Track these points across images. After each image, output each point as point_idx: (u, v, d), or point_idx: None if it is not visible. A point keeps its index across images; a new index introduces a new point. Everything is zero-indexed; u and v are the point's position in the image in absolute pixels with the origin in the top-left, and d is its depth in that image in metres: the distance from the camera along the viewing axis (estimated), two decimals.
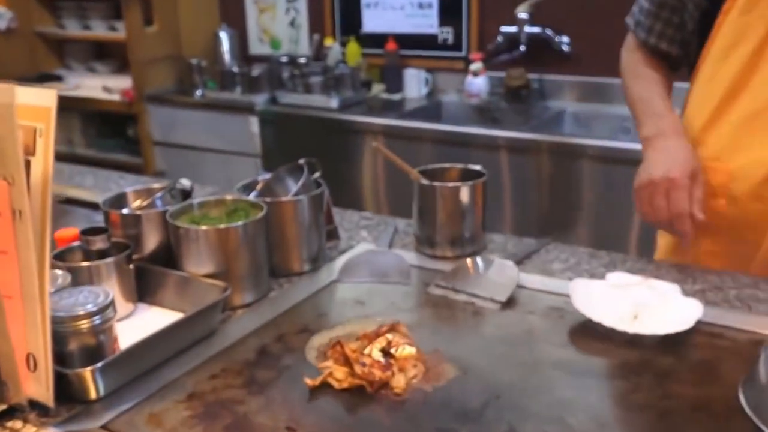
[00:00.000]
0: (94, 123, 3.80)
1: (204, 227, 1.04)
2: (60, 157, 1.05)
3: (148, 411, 0.85)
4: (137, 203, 1.16)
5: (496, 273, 1.09)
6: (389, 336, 0.98)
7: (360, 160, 2.86)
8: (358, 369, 0.91)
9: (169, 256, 1.07)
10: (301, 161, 1.27)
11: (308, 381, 0.91)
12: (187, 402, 0.89)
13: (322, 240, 1.19)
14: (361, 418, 0.82)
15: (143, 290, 1.06)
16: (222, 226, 1.05)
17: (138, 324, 1.01)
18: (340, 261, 1.17)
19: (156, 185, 1.21)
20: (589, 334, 0.95)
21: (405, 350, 0.95)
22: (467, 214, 1.19)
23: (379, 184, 2.81)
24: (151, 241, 1.11)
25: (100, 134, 3.81)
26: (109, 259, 1.01)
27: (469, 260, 1.14)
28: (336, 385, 0.91)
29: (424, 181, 1.19)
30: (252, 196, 1.15)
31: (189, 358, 0.92)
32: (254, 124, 2.95)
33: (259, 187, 1.22)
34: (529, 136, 2.34)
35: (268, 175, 1.25)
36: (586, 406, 0.84)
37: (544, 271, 1.14)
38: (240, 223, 1.06)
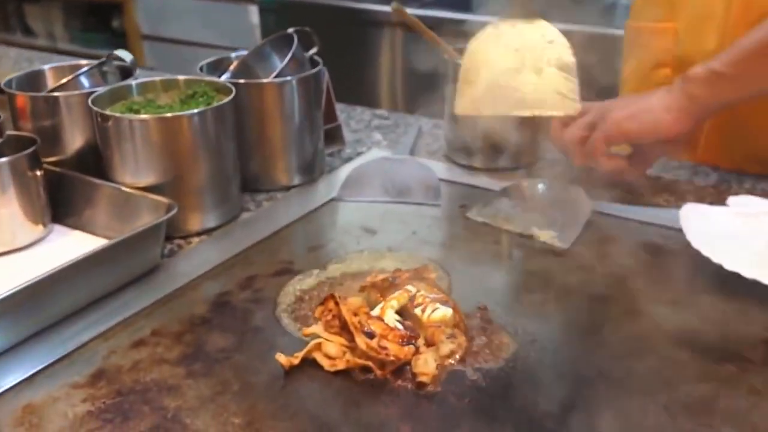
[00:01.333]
0: (77, 15, 3.51)
1: (143, 116, 0.81)
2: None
3: (25, 399, 0.59)
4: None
5: (560, 201, 0.85)
6: (411, 288, 0.66)
7: (375, 55, 2.48)
8: (361, 341, 0.60)
9: (98, 159, 0.83)
10: (291, 30, 0.94)
11: (282, 358, 0.61)
12: (89, 387, 0.60)
13: (318, 142, 0.97)
14: (364, 425, 0.55)
15: (60, 207, 0.84)
16: (169, 114, 0.81)
17: (47, 255, 0.80)
18: (344, 172, 0.95)
19: (84, 62, 0.97)
20: (710, 283, 0.71)
21: (437, 312, 0.64)
22: None
23: (397, 82, 2.41)
24: (73, 138, 0.87)
25: (85, 27, 3.50)
26: (2, 160, 0.75)
27: (526, 182, 0.89)
28: (326, 365, 0.61)
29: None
30: (223, 79, 0.92)
31: (106, 313, 0.69)
32: (254, 13, 2.77)
33: (232, 66, 0.98)
34: None
35: (244, 52, 1.00)
36: (733, 410, 0.56)
37: (627, 192, 0.90)
38: (196, 110, 0.82)
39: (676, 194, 0.92)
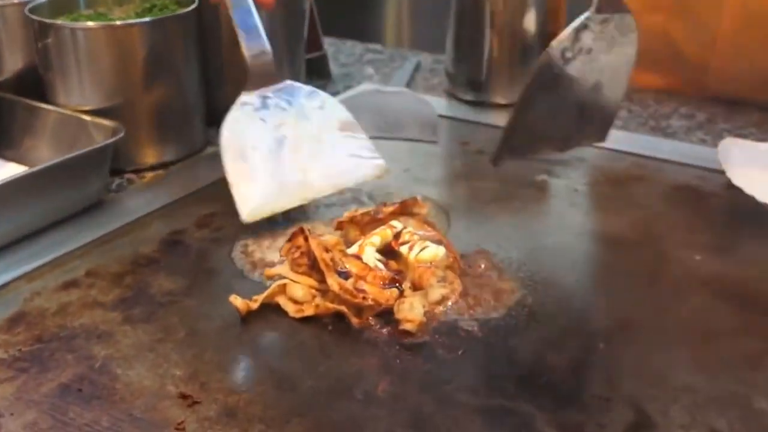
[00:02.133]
0: None
1: (89, 24, 0.75)
2: None
3: None
4: None
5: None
6: (397, 223, 0.59)
7: None
8: (333, 282, 0.53)
9: (39, 80, 0.79)
10: None
11: (237, 302, 0.54)
12: (4, 332, 0.54)
13: (299, 74, 0.90)
14: (335, 379, 0.49)
15: None
16: (119, 22, 0.75)
17: None
18: None
19: None
20: (753, 225, 0.66)
21: (427, 250, 0.57)
22: (543, 35, 0.88)
23: (403, 18, 2.31)
24: (9, 56, 0.81)
25: None
26: None
27: None
28: (292, 311, 0.55)
29: None
30: None
31: (34, 252, 0.63)
32: None
33: None
34: None
35: None
36: None
37: (657, 130, 0.87)
38: (148, 19, 0.76)
39: (712, 133, 0.86)
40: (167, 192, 0.74)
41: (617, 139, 0.81)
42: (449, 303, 0.55)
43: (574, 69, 0.64)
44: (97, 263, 0.62)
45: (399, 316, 0.53)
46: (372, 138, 0.84)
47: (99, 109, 0.75)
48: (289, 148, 0.66)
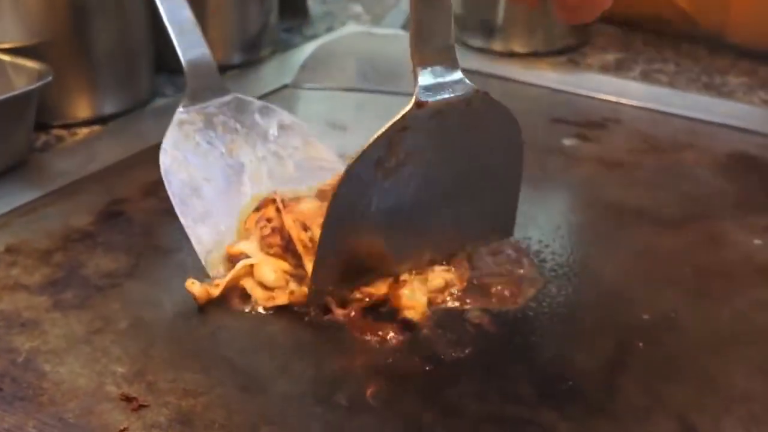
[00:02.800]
0: None
1: None
2: None
3: None
4: None
5: None
6: None
7: None
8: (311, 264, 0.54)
9: None
10: None
11: (195, 287, 0.56)
12: None
13: (269, 12, 0.96)
14: (316, 388, 0.50)
15: None
16: None
17: None
18: (305, 51, 0.97)
19: None
20: None
21: None
22: None
23: None
24: None
25: None
26: None
27: None
28: (260, 298, 0.56)
29: None
30: None
31: None
32: None
33: None
34: None
35: None
36: None
37: (711, 87, 0.90)
38: None
39: None
40: (106, 152, 0.76)
41: (662, 98, 0.82)
42: (454, 291, 0.57)
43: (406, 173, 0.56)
44: (20, 237, 0.63)
45: (397, 303, 0.54)
46: (358, 91, 0.88)
47: (20, 48, 0.77)
48: (249, 178, 0.65)
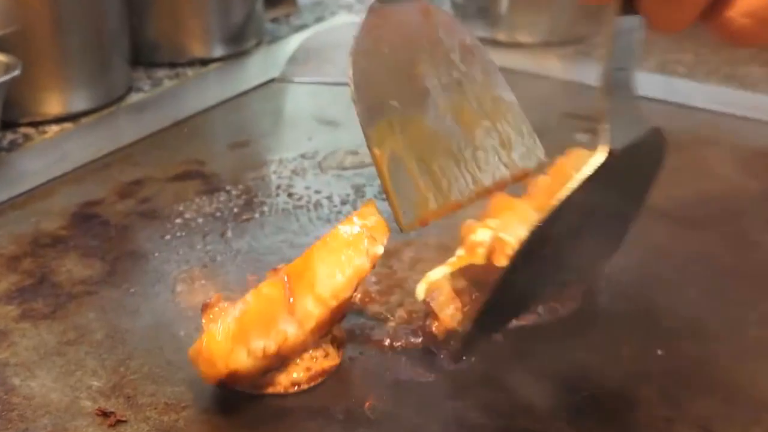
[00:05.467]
0: None
1: None
2: None
3: None
4: None
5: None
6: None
7: None
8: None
9: None
10: None
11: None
12: None
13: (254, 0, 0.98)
14: (310, 400, 0.51)
15: None
16: None
17: None
18: (293, 43, 1.00)
19: None
20: None
21: None
22: None
23: None
24: None
25: None
26: None
27: None
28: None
29: None
30: None
31: None
32: None
33: None
34: None
35: None
36: None
37: (733, 79, 0.90)
38: None
39: None
40: (78, 151, 0.77)
41: (682, 91, 0.83)
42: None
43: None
44: None
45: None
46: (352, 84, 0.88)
47: None
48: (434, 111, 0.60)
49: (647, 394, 0.51)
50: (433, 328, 0.54)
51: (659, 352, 0.54)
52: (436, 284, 0.56)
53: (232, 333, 0.48)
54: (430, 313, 0.55)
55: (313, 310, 0.50)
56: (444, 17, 0.61)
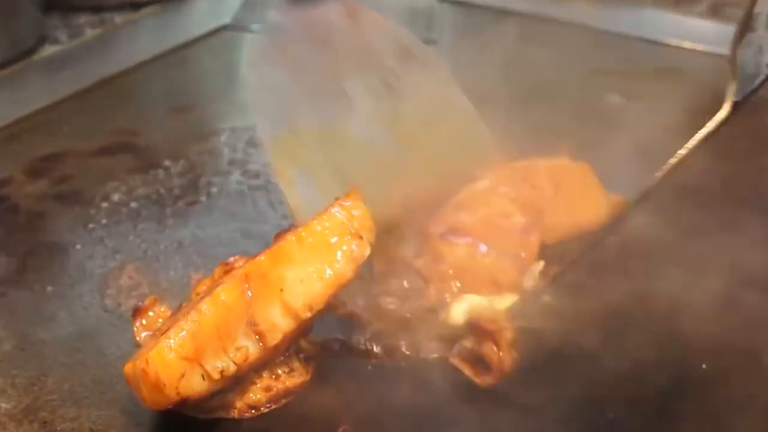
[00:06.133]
0: None
1: None
2: None
3: None
4: None
5: None
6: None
7: None
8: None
9: None
10: None
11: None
12: None
13: None
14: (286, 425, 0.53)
15: None
16: None
17: None
18: None
19: None
20: None
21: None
22: None
23: None
24: None
25: None
26: None
27: None
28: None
29: None
30: None
31: None
32: None
33: None
34: None
35: None
36: None
37: None
38: None
39: None
40: None
41: None
42: None
43: None
44: None
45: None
46: None
47: None
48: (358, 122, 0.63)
49: (687, 413, 0.54)
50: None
51: (703, 365, 0.56)
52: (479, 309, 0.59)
53: (185, 351, 0.49)
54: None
55: (279, 322, 0.51)
56: (375, 19, 0.64)
